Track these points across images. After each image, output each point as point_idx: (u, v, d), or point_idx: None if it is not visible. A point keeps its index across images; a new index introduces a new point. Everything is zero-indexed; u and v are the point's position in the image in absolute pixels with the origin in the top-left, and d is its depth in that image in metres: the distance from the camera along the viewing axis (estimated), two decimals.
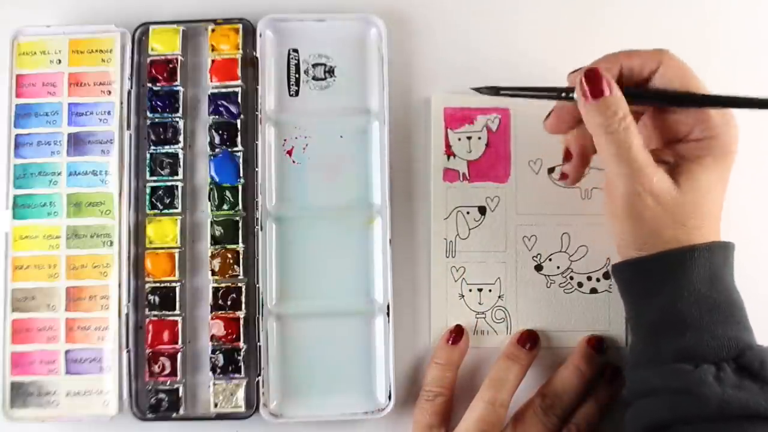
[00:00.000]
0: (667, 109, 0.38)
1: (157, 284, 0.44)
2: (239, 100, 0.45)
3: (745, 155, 0.39)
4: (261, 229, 0.45)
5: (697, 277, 0.36)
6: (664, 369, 0.36)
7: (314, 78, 0.46)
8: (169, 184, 0.45)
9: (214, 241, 0.44)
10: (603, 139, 0.36)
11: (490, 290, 0.46)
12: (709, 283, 0.36)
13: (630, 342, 0.39)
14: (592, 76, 0.36)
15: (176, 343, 0.44)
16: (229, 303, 0.44)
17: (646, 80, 0.38)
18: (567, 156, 0.43)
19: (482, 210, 0.46)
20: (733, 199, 0.39)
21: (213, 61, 0.45)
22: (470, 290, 0.46)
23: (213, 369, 0.43)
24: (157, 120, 0.45)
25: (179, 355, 0.44)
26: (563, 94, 0.38)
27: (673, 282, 0.36)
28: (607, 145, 0.36)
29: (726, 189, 0.38)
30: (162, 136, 0.45)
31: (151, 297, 0.44)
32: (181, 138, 0.45)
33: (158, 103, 0.45)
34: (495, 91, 0.40)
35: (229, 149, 0.45)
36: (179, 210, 0.45)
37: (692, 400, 0.34)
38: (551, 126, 0.40)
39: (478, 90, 0.40)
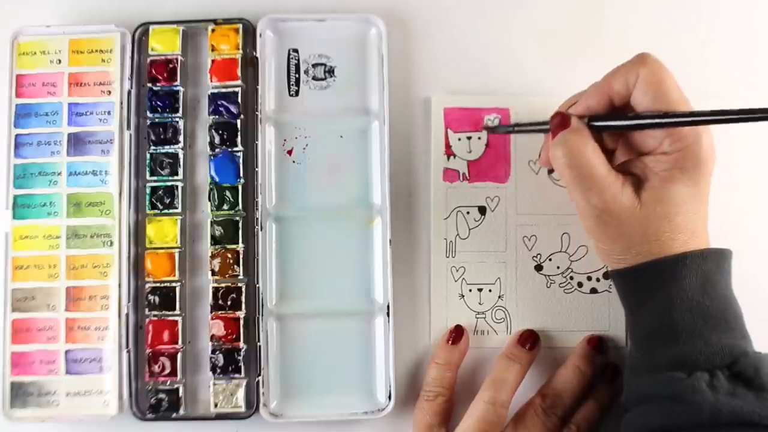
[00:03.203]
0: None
1: (157, 284, 0.44)
2: (239, 100, 0.45)
3: (744, 160, 0.38)
4: (261, 229, 0.45)
5: (689, 284, 0.36)
6: (658, 377, 0.35)
7: (314, 78, 0.46)
8: (169, 184, 0.45)
9: (214, 241, 0.44)
10: (561, 166, 0.37)
11: (490, 290, 0.46)
12: (701, 290, 0.36)
13: (628, 349, 0.39)
14: (555, 117, 0.38)
15: (176, 343, 0.44)
16: (229, 303, 0.44)
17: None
18: None
19: (482, 210, 0.46)
20: (732, 205, 0.39)
21: (213, 61, 0.45)
22: (470, 290, 0.46)
23: (213, 369, 0.43)
24: (157, 120, 0.45)
25: (179, 355, 0.44)
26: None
27: (665, 290, 0.36)
28: (567, 172, 0.37)
29: (704, 200, 0.38)
30: (162, 136, 0.45)
31: (151, 297, 0.44)
32: (181, 138, 0.45)
33: (158, 103, 0.45)
34: (510, 128, 0.44)
35: (229, 149, 0.45)
36: (179, 210, 0.45)
37: (685, 408, 0.34)
38: (544, 160, 0.41)
39: (493, 130, 0.45)
